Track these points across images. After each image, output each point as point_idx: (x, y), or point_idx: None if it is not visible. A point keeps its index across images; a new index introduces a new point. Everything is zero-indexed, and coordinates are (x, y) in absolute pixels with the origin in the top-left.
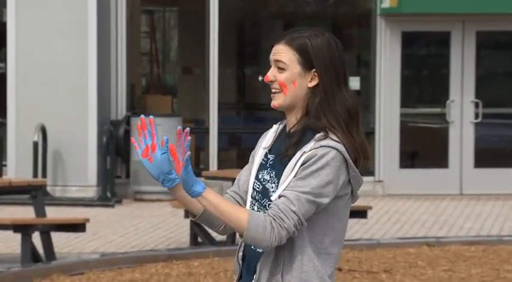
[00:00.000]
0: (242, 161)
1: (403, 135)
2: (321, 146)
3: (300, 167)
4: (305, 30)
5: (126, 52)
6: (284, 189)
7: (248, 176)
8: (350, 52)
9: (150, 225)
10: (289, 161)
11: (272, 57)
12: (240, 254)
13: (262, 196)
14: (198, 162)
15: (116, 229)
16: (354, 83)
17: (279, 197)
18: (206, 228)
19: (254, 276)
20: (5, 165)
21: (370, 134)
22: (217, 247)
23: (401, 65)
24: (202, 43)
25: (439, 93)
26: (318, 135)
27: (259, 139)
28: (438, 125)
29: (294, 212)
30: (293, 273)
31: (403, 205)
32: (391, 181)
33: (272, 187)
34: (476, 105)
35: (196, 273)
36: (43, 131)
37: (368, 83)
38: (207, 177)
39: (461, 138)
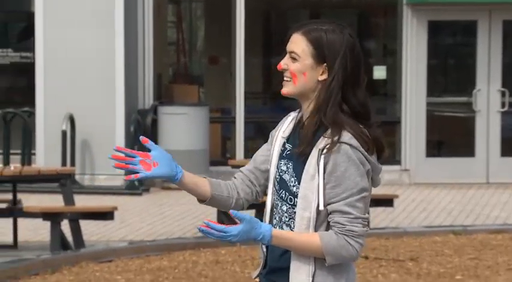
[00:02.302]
0: None
1: (429, 124)
2: (335, 144)
3: (324, 172)
4: (325, 23)
5: (153, 42)
6: (331, 204)
7: (265, 156)
8: (376, 41)
9: (177, 213)
10: (307, 158)
11: (288, 45)
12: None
13: (280, 187)
14: (225, 151)
15: (144, 217)
16: (380, 72)
17: (333, 212)
18: (230, 211)
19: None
20: (34, 154)
21: (397, 123)
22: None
23: (428, 54)
24: (228, 33)
25: (465, 82)
26: (329, 132)
27: (280, 123)
28: (465, 114)
29: (356, 218)
30: (323, 262)
31: (430, 194)
32: (418, 170)
33: (292, 181)
34: (503, 94)
35: (223, 261)
36: (71, 120)
37: (394, 72)
38: (233, 166)
39: (488, 127)
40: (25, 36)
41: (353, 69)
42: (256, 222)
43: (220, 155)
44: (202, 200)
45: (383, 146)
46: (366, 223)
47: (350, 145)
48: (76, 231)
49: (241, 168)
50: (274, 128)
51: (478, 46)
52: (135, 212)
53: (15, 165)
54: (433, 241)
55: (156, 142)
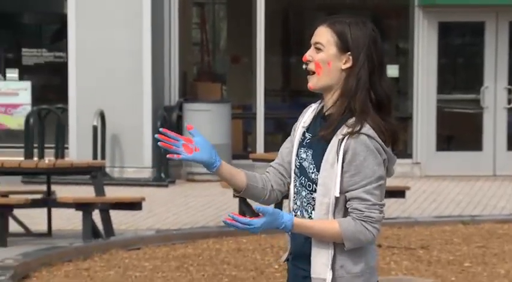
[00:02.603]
0: None
1: (439, 120)
2: (353, 133)
3: (343, 161)
4: (348, 17)
5: (178, 42)
6: (349, 191)
7: (289, 147)
8: (389, 41)
9: (201, 204)
10: (326, 146)
11: (313, 38)
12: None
13: (300, 173)
14: (246, 145)
15: (170, 207)
16: (393, 70)
17: (352, 199)
18: (253, 206)
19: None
20: (67, 148)
21: (408, 119)
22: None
23: (438, 53)
24: (249, 33)
25: (473, 80)
26: (350, 121)
27: (301, 115)
28: (473, 110)
29: (374, 204)
30: (342, 246)
31: (439, 186)
32: (428, 163)
33: (310, 168)
34: (509, 92)
35: (244, 249)
36: (102, 116)
37: (406, 70)
38: (254, 159)
39: (495, 122)
40: (58, 37)
41: (378, 60)
42: (279, 213)
43: (241, 149)
44: (237, 191)
45: (398, 139)
46: (382, 210)
47: (368, 135)
48: (106, 220)
49: (271, 163)
50: (292, 123)
51: (485, 46)
52: (162, 202)
53: (49, 159)
54: (443, 230)
55: None
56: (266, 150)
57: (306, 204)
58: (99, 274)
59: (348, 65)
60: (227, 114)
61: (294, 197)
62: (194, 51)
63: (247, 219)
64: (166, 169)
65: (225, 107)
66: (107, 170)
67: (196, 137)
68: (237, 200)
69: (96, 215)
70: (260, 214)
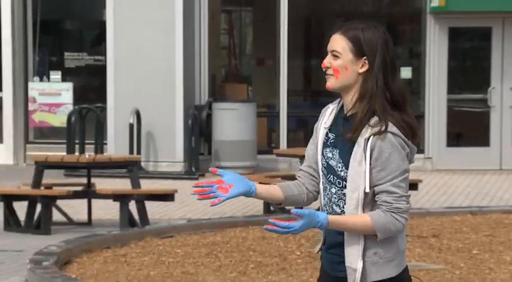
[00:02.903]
0: (308, 140)
1: (449, 118)
2: (378, 132)
3: (370, 157)
4: (360, 23)
5: (207, 47)
6: (378, 185)
7: (314, 149)
8: (403, 45)
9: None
10: (352, 145)
11: (329, 46)
12: None
13: (328, 172)
14: (270, 142)
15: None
16: (406, 72)
17: (380, 192)
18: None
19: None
20: (106, 144)
21: (421, 117)
22: (288, 215)
23: (448, 56)
24: (273, 38)
25: (481, 81)
26: (373, 121)
27: (320, 116)
28: (480, 109)
29: (401, 196)
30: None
31: (450, 179)
32: (439, 158)
33: (339, 166)
34: None
35: (269, 237)
36: (137, 115)
37: (419, 72)
38: (278, 155)
39: (501, 120)
40: (98, 42)
41: (391, 61)
42: (314, 214)
43: (266, 145)
44: (279, 203)
45: (417, 131)
46: (409, 200)
47: (392, 133)
48: (142, 210)
49: (300, 167)
50: (313, 121)
51: (492, 49)
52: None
53: (89, 154)
54: (453, 220)
55: (210, 134)
56: (289, 146)
57: (337, 199)
58: (135, 260)
59: (365, 68)
60: (253, 112)
61: (323, 193)
62: (222, 55)
63: (286, 224)
64: (196, 163)
65: (251, 106)
66: (142, 164)
67: (225, 176)
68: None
69: (132, 206)
70: (297, 217)
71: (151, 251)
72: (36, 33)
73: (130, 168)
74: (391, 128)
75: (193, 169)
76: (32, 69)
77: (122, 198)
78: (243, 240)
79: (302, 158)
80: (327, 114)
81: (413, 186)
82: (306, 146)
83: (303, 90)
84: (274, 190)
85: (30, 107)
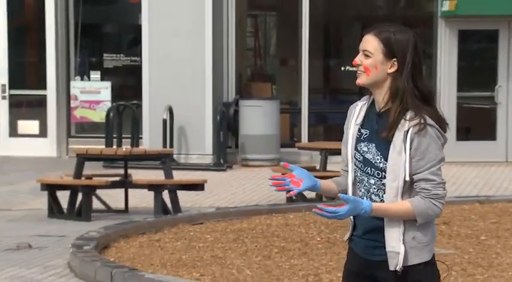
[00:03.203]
0: (327, 135)
1: (459, 114)
2: (417, 124)
3: (410, 147)
4: (392, 26)
5: (235, 48)
6: (416, 174)
7: (345, 149)
8: None
9: (254, 185)
10: (390, 139)
11: (361, 45)
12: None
13: (364, 165)
14: (293, 136)
15: (228, 188)
16: None
17: (419, 180)
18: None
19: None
20: (141, 138)
21: None
22: (308, 203)
23: (458, 57)
24: (295, 40)
25: (488, 79)
26: (409, 115)
27: (348, 115)
28: (488, 105)
29: (439, 183)
30: (412, 221)
31: (459, 170)
32: (449, 151)
33: (377, 159)
34: None
35: (291, 223)
36: (170, 111)
37: (430, 71)
38: (300, 148)
39: (507, 116)
40: (134, 44)
41: (419, 62)
42: (359, 200)
43: (288, 139)
44: (333, 197)
45: (446, 123)
46: (445, 187)
47: (430, 125)
48: (174, 199)
49: (341, 167)
50: (332, 117)
51: (499, 50)
52: (221, 184)
53: (126, 147)
54: (462, 209)
55: (237, 128)
56: (309, 140)
57: (376, 189)
58: (168, 245)
59: (393, 69)
60: (276, 109)
61: (358, 185)
62: (248, 56)
63: (333, 209)
64: (224, 156)
65: (275, 103)
66: (175, 156)
67: (295, 171)
68: None
69: (165, 195)
70: (343, 202)
71: (183, 237)
72: (77, 36)
73: (164, 160)
74: (428, 120)
75: (221, 161)
76: (74, 69)
77: (156, 188)
78: (267, 226)
79: (322, 151)
80: (356, 112)
81: None
82: (325, 140)
83: (323, 88)
84: (331, 185)
85: (72, 104)
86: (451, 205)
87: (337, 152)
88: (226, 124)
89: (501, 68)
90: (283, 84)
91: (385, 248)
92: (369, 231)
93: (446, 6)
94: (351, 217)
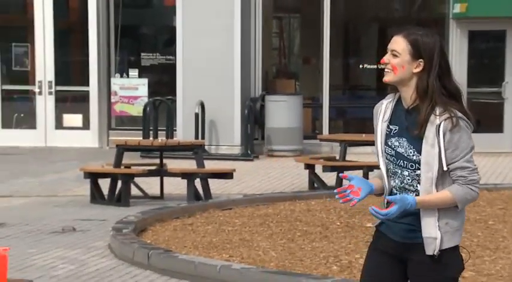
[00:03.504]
0: (347, 127)
1: (468, 108)
2: (447, 118)
3: (443, 141)
4: (420, 29)
5: (261, 48)
6: (451, 164)
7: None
8: None
9: (279, 174)
10: (422, 135)
11: (390, 45)
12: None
13: (397, 158)
14: (314, 129)
15: (254, 177)
16: None
17: (455, 169)
18: (320, 176)
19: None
20: (175, 130)
21: None
22: (329, 190)
23: (468, 55)
24: (317, 40)
25: (496, 76)
26: (439, 111)
27: (375, 113)
28: (496, 100)
29: (473, 170)
30: (446, 209)
31: None
32: None
33: (409, 152)
34: None
35: (313, 209)
36: (202, 106)
37: None
38: (321, 140)
39: None
40: (169, 44)
41: (445, 63)
42: (404, 197)
43: (310, 131)
44: (380, 194)
45: (471, 116)
46: (478, 172)
47: (459, 117)
48: (205, 186)
49: (381, 168)
50: (351, 111)
51: (506, 49)
52: (248, 173)
53: (161, 139)
54: None
55: (263, 122)
56: (330, 132)
57: (410, 180)
58: (200, 228)
59: (419, 69)
60: (299, 104)
61: (392, 177)
62: (273, 55)
63: (385, 211)
64: (251, 147)
65: (298, 98)
66: (206, 147)
67: (353, 181)
68: (307, 170)
69: (197, 183)
70: (392, 203)
71: (214, 221)
72: (117, 37)
73: (196, 150)
74: (457, 113)
75: (248, 152)
76: (114, 68)
77: (189, 176)
78: (291, 212)
79: (341, 142)
80: (383, 110)
81: None
82: (345, 132)
83: (343, 85)
84: (380, 183)
85: (112, 99)
86: None
87: (356, 143)
88: (253, 118)
89: (508, 65)
90: (305, 81)
91: (420, 232)
92: (404, 216)
93: (457, 9)
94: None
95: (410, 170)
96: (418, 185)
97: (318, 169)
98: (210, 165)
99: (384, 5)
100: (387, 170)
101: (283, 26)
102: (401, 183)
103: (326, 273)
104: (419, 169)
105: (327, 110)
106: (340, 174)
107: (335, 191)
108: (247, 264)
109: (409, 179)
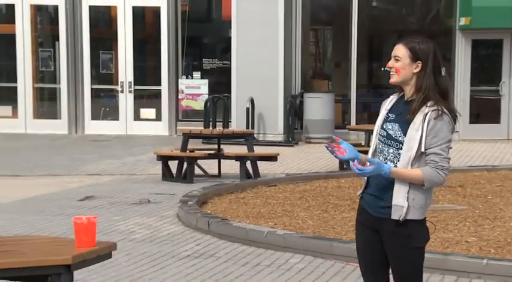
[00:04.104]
0: (370, 119)
1: (471, 103)
2: (435, 110)
3: (427, 127)
4: (416, 38)
5: (300, 54)
6: (429, 149)
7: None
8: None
9: (315, 157)
10: (411, 120)
11: (393, 52)
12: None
13: (387, 138)
14: (344, 120)
15: (294, 160)
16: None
17: (430, 154)
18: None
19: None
20: (230, 122)
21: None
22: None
23: (471, 60)
24: (346, 48)
25: (494, 77)
26: (429, 103)
27: (382, 105)
28: (494, 97)
29: (445, 158)
30: (416, 185)
31: (471, 146)
32: (464, 131)
33: (397, 134)
34: None
35: (343, 186)
36: (252, 102)
37: (450, 71)
38: (349, 129)
39: (509, 105)
40: (225, 51)
41: (438, 65)
42: (381, 164)
43: (341, 122)
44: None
45: (456, 114)
46: (449, 162)
47: (445, 112)
48: (255, 167)
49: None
50: (374, 106)
51: (503, 55)
52: (289, 156)
53: (219, 128)
54: (473, 175)
55: (302, 114)
56: (357, 123)
57: (393, 157)
58: (250, 201)
59: (418, 70)
60: (331, 100)
61: (378, 154)
62: (310, 60)
63: (361, 167)
64: (292, 135)
65: (330, 95)
66: (255, 135)
67: (342, 144)
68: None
69: (248, 164)
70: (370, 164)
71: (261, 195)
72: (184, 46)
73: (247, 138)
74: (444, 109)
75: (290, 139)
76: (181, 71)
77: (241, 158)
78: (324, 188)
79: (366, 131)
80: (388, 101)
81: None
82: (369, 123)
83: (367, 84)
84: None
85: (180, 96)
86: (465, 172)
87: None
88: (294, 111)
89: (504, 68)
90: (336, 81)
91: (389, 207)
92: (378, 189)
93: (462, 22)
94: (366, 177)
95: (395, 148)
96: (397, 162)
97: (369, 153)
98: (258, 150)
99: (402, 19)
100: (376, 148)
101: (318, 36)
102: (385, 159)
103: (353, 238)
104: (402, 149)
105: (354, 105)
106: (333, 137)
107: (326, 143)
108: (288, 231)
109: (392, 156)
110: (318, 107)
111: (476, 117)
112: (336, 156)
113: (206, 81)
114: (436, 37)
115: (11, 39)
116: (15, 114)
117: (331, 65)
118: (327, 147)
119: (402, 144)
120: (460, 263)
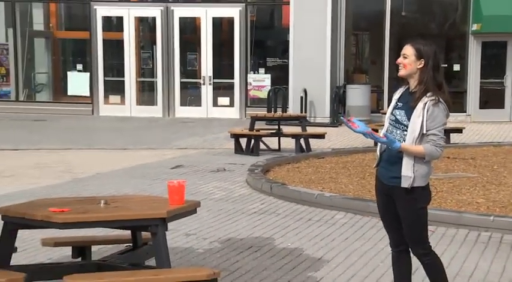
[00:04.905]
0: None
1: (481, 92)
2: (433, 100)
3: (426, 113)
4: (421, 40)
5: (344, 53)
6: (428, 131)
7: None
8: (454, 52)
9: (355, 136)
10: (414, 107)
11: (402, 51)
12: (379, 149)
13: (395, 122)
14: (378, 106)
15: (338, 137)
16: (456, 67)
17: (430, 134)
18: (383, 133)
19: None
20: (288, 107)
21: (464, 92)
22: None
23: (481, 58)
24: (380, 49)
25: (500, 71)
26: (429, 94)
27: (393, 95)
28: (499, 87)
29: (441, 137)
30: (419, 159)
31: (481, 127)
32: (475, 114)
33: (404, 118)
34: None
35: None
36: (305, 92)
37: (463, 67)
38: (383, 113)
39: None
40: (284, 52)
41: (437, 63)
42: (394, 140)
43: (375, 108)
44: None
45: (450, 103)
46: (444, 140)
47: (441, 102)
48: (307, 143)
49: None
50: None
51: (507, 54)
52: (334, 135)
53: (279, 113)
54: (482, 149)
55: (345, 101)
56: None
57: (399, 137)
58: (303, 170)
59: (421, 66)
60: (368, 90)
61: (389, 134)
62: (352, 58)
63: (376, 136)
64: (336, 118)
65: (367, 87)
66: (307, 118)
67: (355, 120)
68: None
69: (302, 141)
70: (383, 135)
71: (312, 166)
72: (252, 47)
73: (301, 120)
74: (440, 99)
75: (335, 121)
76: (249, 67)
77: (296, 136)
78: (362, 160)
79: None
80: (398, 92)
81: (459, 131)
82: None
83: (396, 78)
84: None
85: (249, 87)
86: (476, 147)
87: None
88: (338, 99)
89: (508, 64)
90: (372, 75)
91: (399, 177)
92: (389, 163)
93: (474, 27)
94: (378, 152)
95: (401, 130)
96: (403, 141)
97: (381, 132)
98: (310, 129)
99: (425, 25)
100: (387, 130)
101: (358, 39)
102: (394, 138)
103: None
104: (407, 130)
105: (387, 94)
106: (346, 117)
107: (342, 117)
108: (334, 193)
109: (399, 136)
110: (357, 95)
111: (484, 104)
112: (349, 128)
113: (269, 75)
114: (453, 40)
115: (120, 44)
116: (123, 101)
117: (368, 62)
118: (344, 121)
119: (407, 127)
120: (471, 220)
